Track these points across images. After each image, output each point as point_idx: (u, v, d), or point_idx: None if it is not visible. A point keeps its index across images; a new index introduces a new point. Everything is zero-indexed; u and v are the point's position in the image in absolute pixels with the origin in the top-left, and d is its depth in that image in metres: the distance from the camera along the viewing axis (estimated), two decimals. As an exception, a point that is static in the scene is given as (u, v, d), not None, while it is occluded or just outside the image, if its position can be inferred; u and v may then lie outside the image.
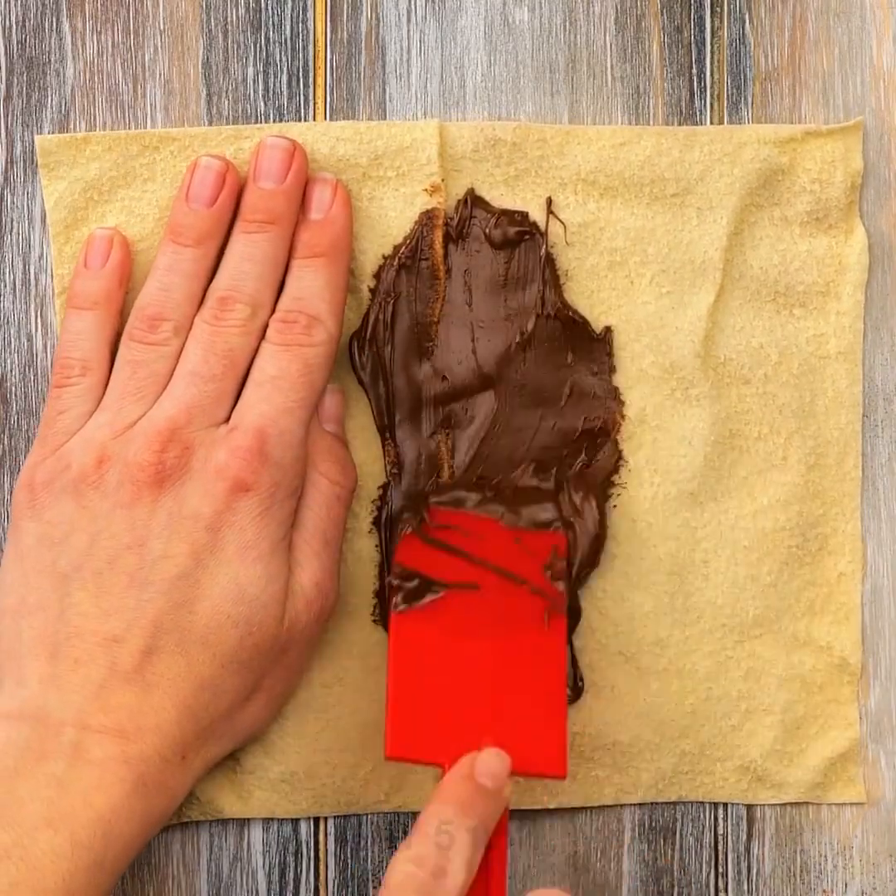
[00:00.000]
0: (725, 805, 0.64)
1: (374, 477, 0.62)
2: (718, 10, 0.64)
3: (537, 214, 0.61)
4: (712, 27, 0.64)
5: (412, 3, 0.62)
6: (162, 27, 0.63)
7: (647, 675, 0.63)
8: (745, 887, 0.65)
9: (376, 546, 0.62)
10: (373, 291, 0.62)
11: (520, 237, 0.62)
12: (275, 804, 0.61)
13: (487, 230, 0.62)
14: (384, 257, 0.62)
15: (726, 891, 0.64)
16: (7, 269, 0.63)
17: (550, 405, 0.62)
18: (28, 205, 0.63)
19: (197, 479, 0.56)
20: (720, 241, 0.62)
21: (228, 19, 0.63)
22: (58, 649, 0.55)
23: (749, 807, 0.64)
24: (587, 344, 0.62)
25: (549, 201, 0.62)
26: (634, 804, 0.64)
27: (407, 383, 0.62)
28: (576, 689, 0.62)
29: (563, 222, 0.62)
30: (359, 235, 0.62)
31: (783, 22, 0.65)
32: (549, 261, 0.62)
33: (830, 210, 0.62)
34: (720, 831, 0.64)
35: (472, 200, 0.62)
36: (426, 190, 0.62)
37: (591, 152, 0.62)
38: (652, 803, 0.64)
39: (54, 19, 0.63)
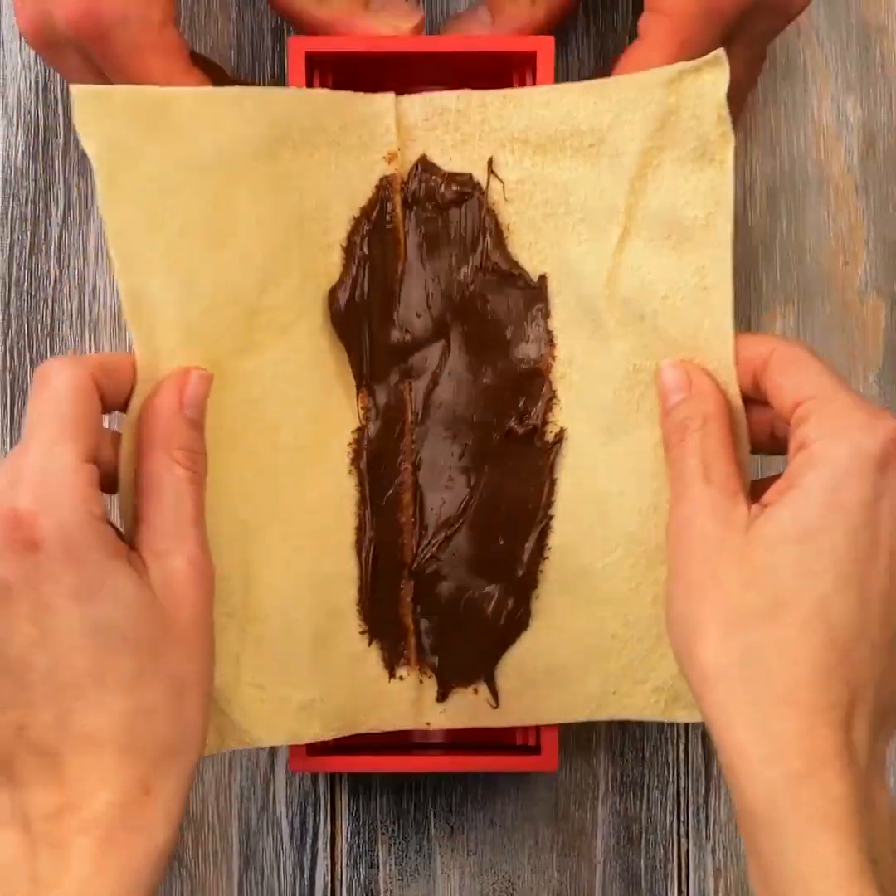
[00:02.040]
0: (687, 763, 0.69)
1: (351, 422, 0.63)
2: None
3: (481, 175, 0.63)
4: None
5: None
6: None
7: (577, 603, 0.63)
8: (704, 833, 0.69)
9: (356, 485, 0.63)
10: (345, 250, 0.62)
11: (462, 197, 0.63)
12: (298, 730, 0.62)
13: (436, 193, 0.63)
14: (353, 219, 0.62)
15: (687, 836, 0.70)
16: (65, 299, 0.69)
17: (493, 350, 0.63)
18: (83, 244, 0.69)
19: None
20: (624, 185, 0.61)
21: (257, 84, 0.68)
22: None
23: (707, 764, 0.68)
24: (525, 292, 0.63)
25: (490, 162, 0.63)
26: (601, 755, 0.68)
27: (377, 337, 0.63)
28: (524, 619, 0.63)
29: (501, 180, 0.63)
30: (330, 199, 0.62)
31: None
32: (492, 216, 0.63)
33: (707, 144, 0.60)
34: (682, 785, 0.69)
35: (424, 166, 0.63)
36: (384, 158, 0.63)
37: (523, 112, 0.62)
38: (621, 758, 0.69)
39: (107, 83, 0.65)
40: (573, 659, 0.63)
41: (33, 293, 0.69)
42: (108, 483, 0.55)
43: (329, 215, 0.62)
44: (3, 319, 0.69)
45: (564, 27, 0.69)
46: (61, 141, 0.69)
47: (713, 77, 0.59)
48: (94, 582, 0.51)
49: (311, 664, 0.62)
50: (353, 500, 0.63)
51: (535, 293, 0.63)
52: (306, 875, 0.69)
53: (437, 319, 0.64)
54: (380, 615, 0.63)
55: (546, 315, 0.63)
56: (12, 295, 0.69)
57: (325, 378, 0.63)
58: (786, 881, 0.49)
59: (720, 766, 0.53)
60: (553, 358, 0.63)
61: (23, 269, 0.69)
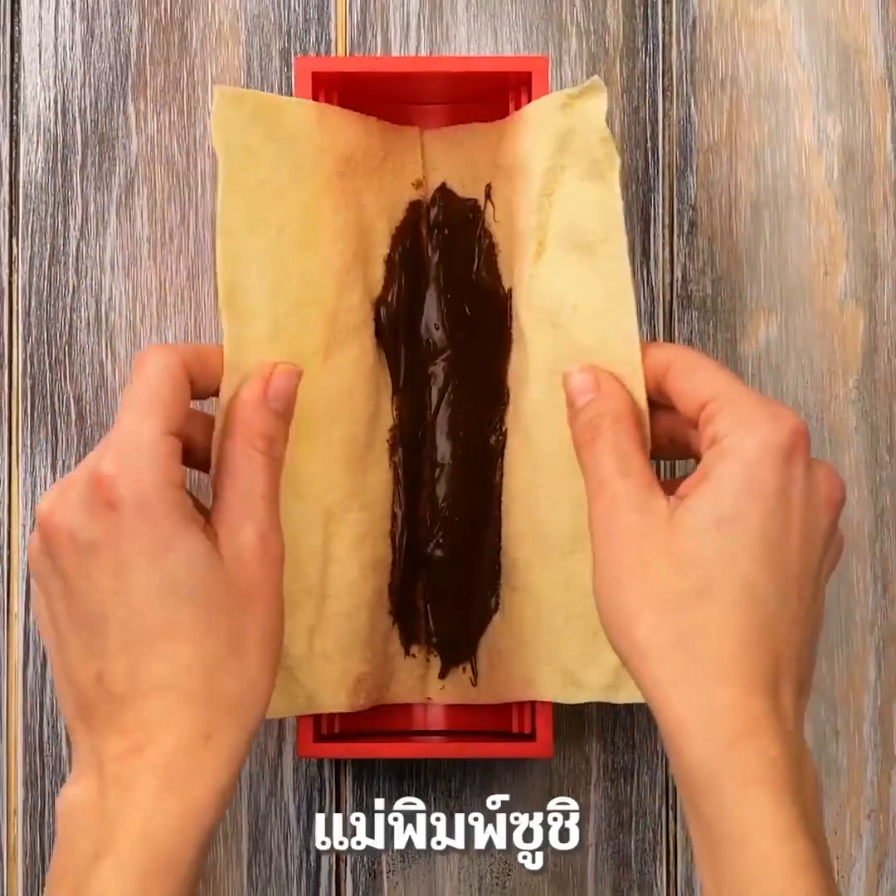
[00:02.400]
0: None
1: (388, 421, 0.67)
2: (668, 94, 0.72)
3: (482, 200, 0.67)
4: (663, 108, 0.72)
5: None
6: (210, 109, 0.68)
7: (510, 592, 0.66)
8: None
9: (392, 478, 0.67)
10: (386, 265, 0.66)
11: (469, 221, 0.67)
12: (352, 700, 0.65)
13: (451, 217, 0.67)
14: (392, 238, 0.66)
15: (675, 820, 0.71)
16: (82, 308, 0.71)
17: (484, 355, 0.67)
18: (99, 255, 0.71)
19: None
20: (535, 202, 0.62)
21: None
22: (65, 699, 0.57)
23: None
24: (502, 306, 0.66)
25: (488, 187, 0.67)
26: (593, 743, 0.70)
27: (409, 345, 0.67)
28: (495, 605, 0.67)
29: (493, 204, 0.67)
30: (376, 218, 0.65)
31: (722, 104, 0.72)
32: (488, 236, 0.67)
33: (596, 163, 0.61)
34: (670, 772, 0.71)
35: (442, 194, 0.68)
36: (413, 184, 0.68)
37: (502, 143, 0.65)
38: (612, 746, 0.71)
39: (121, 102, 0.71)
40: (511, 643, 0.66)
41: (52, 302, 0.71)
42: (194, 460, 0.59)
43: (375, 232, 0.66)
44: (24, 327, 0.71)
45: (559, 49, 0.72)
46: (79, 158, 0.71)
47: (593, 102, 0.61)
48: (166, 541, 0.55)
49: (366, 640, 0.66)
50: (391, 491, 0.67)
51: (505, 307, 0.66)
52: (312, 857, 0.71)
53: (449, 332, 0.68)
54: (402, 598, 0.68)
55: (511, 319, 0.66)
56: (33, 303, 0.71)
57: (378, 378, 0.67)
58: (726, 840, 0.52)
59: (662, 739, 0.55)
60: (508, 367, 0.66)
61: (42, 279, 0.71)
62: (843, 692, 0.72)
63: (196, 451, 0.59)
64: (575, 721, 0.71)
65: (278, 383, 0.59)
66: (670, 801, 0.72)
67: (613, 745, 0.72)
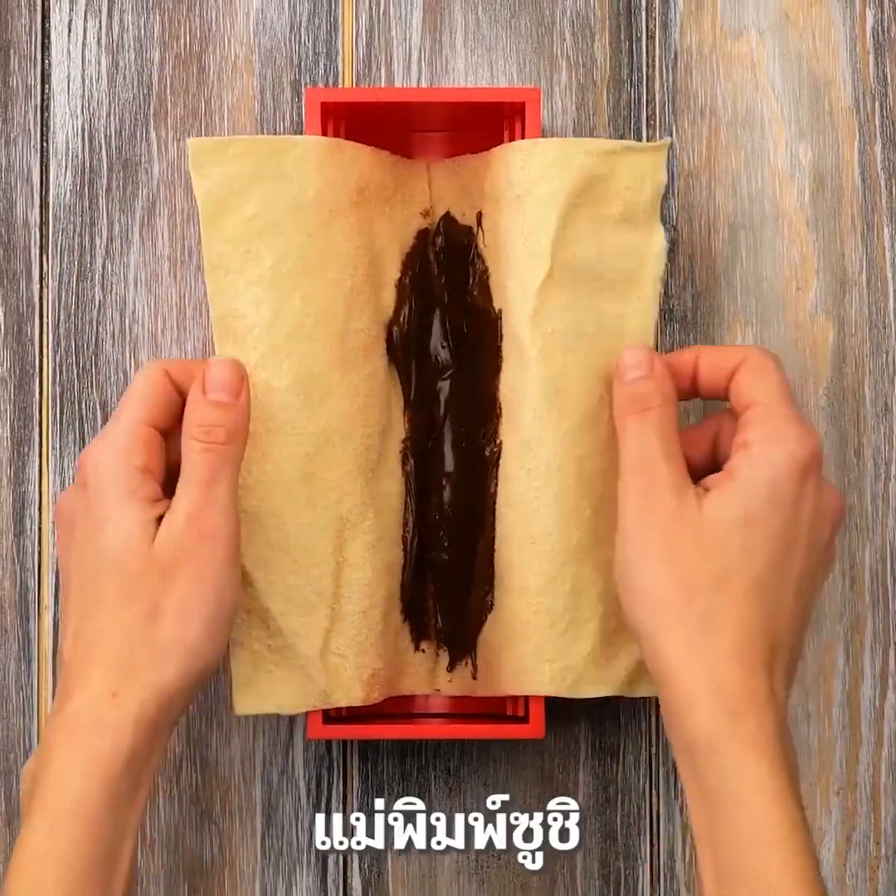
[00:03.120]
0: (658, 732, 0.72)
1: (399, 433, 0.68)
2: (652, 123, 0.73)
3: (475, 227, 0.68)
4: (647, 136, 0.73)
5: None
6: (226, 134, 0.72)
7: (505, 592, 0.67)
8: (672, 793, 0.72)
9: (404, 486, 0.68)
10: (397, 289, 0.68)
11: (466, 247, 0.69)
12: (366, 694, 0.67)
13: (453, 244, 0.69)
14: (402, 264, 0.68)
15: (658, 796, 0.73)
16: (108, 322, 0.72)
17: (479, 371, 0.68)
18: (124, 272, 0.72)
19: None
20: (550, 234, 0.64)
21: (277, 130, 0.73)
22: None
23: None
24: (492, 326, 0.68)
25: (479, 215, 0.68)
26: (582, 724, 0.72)
27: (419, 363, 0.69)
28: (491, 604, 0.68)
29: (483, 231, 0.68)
30: (387, 244, 0.67)
31: (701, 132, 0.73)
32: (481, 261, 0.68)
33: (637, 213, 0.64)
34: (653, 751, 0.73)
35: (447, 222, 0.69)
36: (421, 213, 0.69)
37: (489, 172, 0.67)
38: (600, 727, 0.73)
39: (144, 130, 0.73)
40: (504, 640, 0.68)
41: (80, 316, 0.73)
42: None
43: (386, 258, 0.68)
44: (54, 339, 0.73)
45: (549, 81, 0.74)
46: (104, 181, 0.73)
47: (654, 159, 0.65)
48: (104, 517, 0.59)
49: (379, 637, 0.68)
50: (403, 499, 0.69)
51: (495, 326, 0.68)
52: (321, 830, 0.72)
53: (453, 350, 0.70)
54: (412, 598, 0.70)
55: (501, 339, 0.67)
56: (61, 317, 0.73)
57: (390, 394, 0.69)
58: (725, 800, 0.56)
59: (663, 709, 0.59)
60: (500, 382, 0.68)
61: (70, 294, 0.73)
62: (814, 677, 0.74)
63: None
64: (565, 704, 0.71)
65: (212, 374, 0.62)
66: (653, 779, 0.73)
67: (601, 726, 0.73)
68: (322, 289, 0.65)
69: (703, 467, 0.66)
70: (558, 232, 0.64)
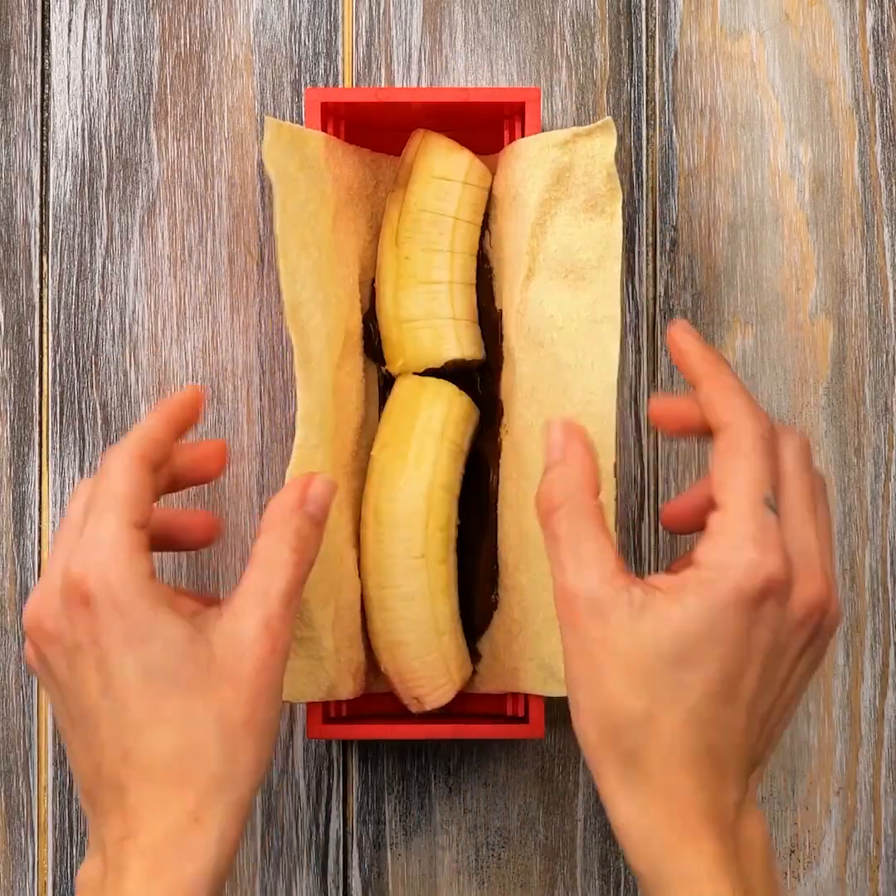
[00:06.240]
0: None
1: (374, 429, 0.68)
2: (652, 123, 0.73)
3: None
4: (647, 135, 0.73)
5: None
6: (227, 136, 0.73)
7: (508, 590, 0.67)
8: None
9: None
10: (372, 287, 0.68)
11: (479, 248, 0.69)
12: (369, 685, 0.68)
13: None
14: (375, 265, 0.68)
15: None
16: (107, 321, 0.72)
17: (485, 373, 0.69)
18: (124, 272, 0.72)
19: None
20: (528, 232, 0.64)
21: None
22: (76, 785, 0.60)
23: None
24: (495, 322, 0.68)
25: (486, 216, 0.68)
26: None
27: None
28: (495, 603, 0.69)
29: (490, 232, 0.68)
30: (369, 243, 0.67)
31: (701, 132, 0.73)
32: (485, 260, 0.68)
33: (598, 198, 0.63)
34: None
35: None
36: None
37: (495, 176, 0.67)
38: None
39: (144, 130, 0.73)
40: (504, 638, 0.68)
41: (80, 315, 0.73)
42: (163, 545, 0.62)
43: (369, 257, 0.68)
44: (54, 339, 0.73)
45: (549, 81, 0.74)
46: (105, 181, 0.73)
47: (603, 140, 0.63)
48: (140, 631, 0.55)
49: (360, 630, 0.68)
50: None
51: (496, 326, 0.68)
52: (321, 831, 0.72)
53: None
54: None
55: (502, 339, 0.68)
56: (61, 317, 0.73)
57: (367, 389, 0.69)
58: None
59: None
60: (500, 381, 0.68)
61: (71, 294, 0.73)
62: (815, 677, 0.70)
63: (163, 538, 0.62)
64: (565, 704, 0.67)
65: (316, 490, 0.59)
66: (653, 779, 0.74)
67: (600, 726, 0.74)
68: (339, 282, 0.66)
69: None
70: (534, 228, 0.64)
